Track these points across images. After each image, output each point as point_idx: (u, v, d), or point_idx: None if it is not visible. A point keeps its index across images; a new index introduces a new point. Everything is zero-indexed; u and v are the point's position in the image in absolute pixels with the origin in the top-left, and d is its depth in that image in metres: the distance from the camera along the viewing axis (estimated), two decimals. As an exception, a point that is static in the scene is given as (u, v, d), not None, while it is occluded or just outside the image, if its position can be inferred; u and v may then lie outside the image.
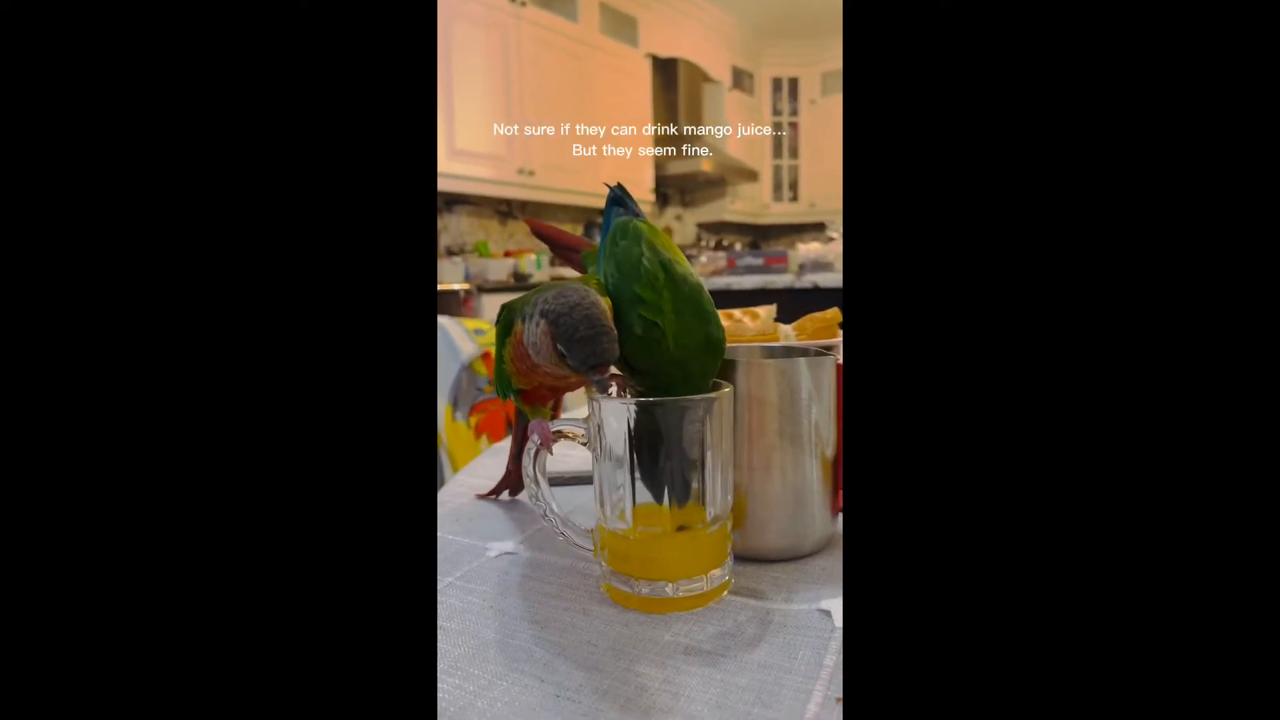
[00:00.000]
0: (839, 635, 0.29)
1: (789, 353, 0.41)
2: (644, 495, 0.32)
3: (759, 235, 4.53)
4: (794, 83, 4.39)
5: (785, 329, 0.56)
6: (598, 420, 0.32)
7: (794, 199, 4.49)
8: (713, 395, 0.32)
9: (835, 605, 0.31)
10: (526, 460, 0.34)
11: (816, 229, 3.75)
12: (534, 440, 0.34)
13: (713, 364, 0.35)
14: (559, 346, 0.31)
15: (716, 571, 0.32)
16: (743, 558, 0.36)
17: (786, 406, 0.36)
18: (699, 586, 0.32)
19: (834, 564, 0.36)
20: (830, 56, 4.22)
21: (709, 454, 0.32)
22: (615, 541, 0.32)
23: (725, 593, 0.33)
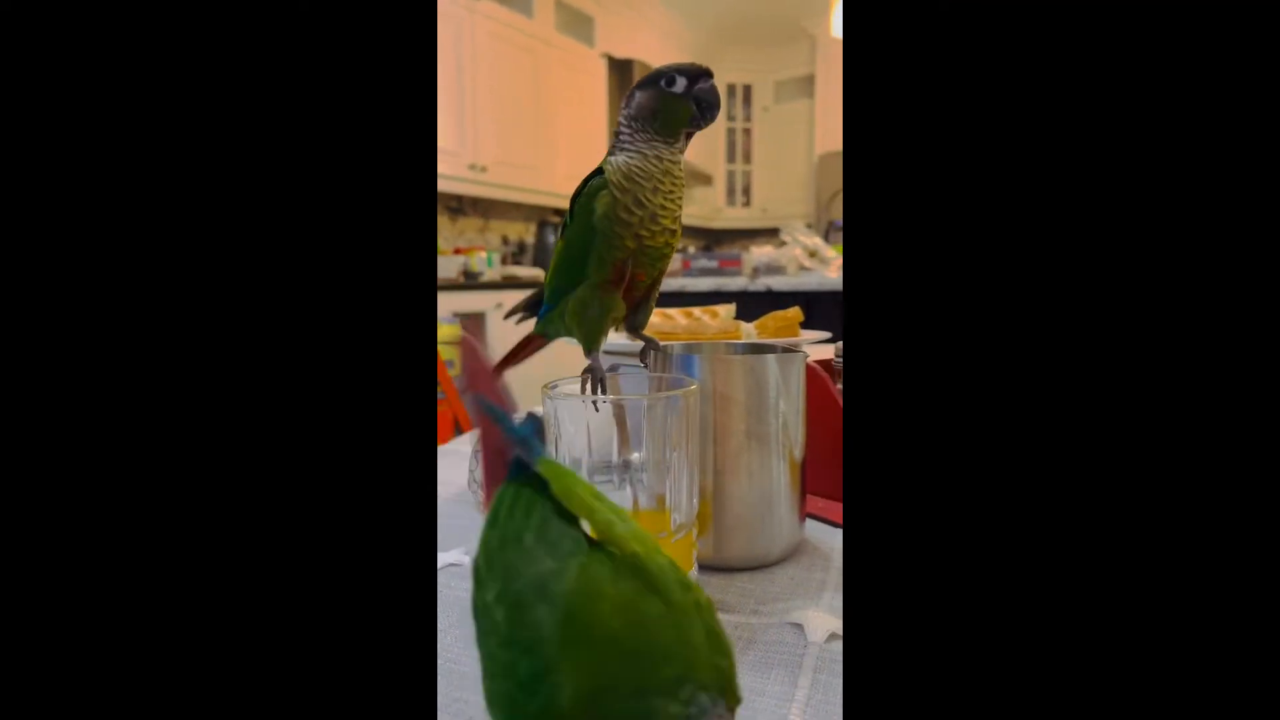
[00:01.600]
0: (813, 651, 0.27)
1: (756, 350, 0.39)
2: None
3: (712, 239, 4.56)
4: (748, 89, 4.44)
5: (747, 327, 0.54)
6: (554, 422, 0.29)
7: (747, 204, 4.54)
8: (678, 393, 0.29)
9: (807, 618, 0.29)
10: (473, 462, 0.31)
11: (769, 234, 3.80)
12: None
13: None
14: None
15: (680, 583, 0.30)
16: (707, 566, 0.34)
17: (754, 405, 0.34)
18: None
19: (803, 572, 0.34)
20: (783, 65, 4.29)
21: (674, 455, 0.29)
22: (571, 552, 0.30)
23: (689, 605, 0.31)
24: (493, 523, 0.19)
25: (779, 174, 4.41)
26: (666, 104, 0.33)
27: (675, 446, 0.29)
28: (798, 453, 0.35)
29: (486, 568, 0.18)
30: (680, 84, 0.33)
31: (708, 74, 0.34)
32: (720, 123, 4.43)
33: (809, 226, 2.40)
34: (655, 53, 3.78)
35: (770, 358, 0.34)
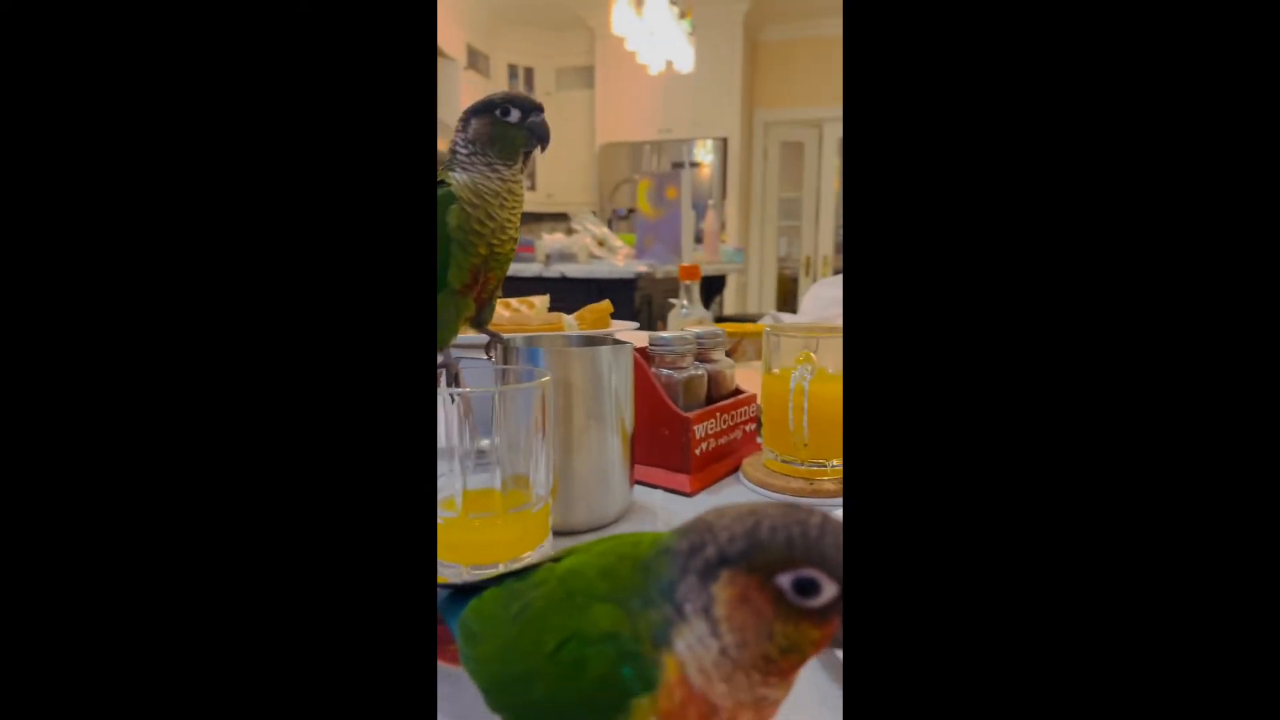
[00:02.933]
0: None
1: (589, 341, 0.44)
2: (475, 481, 0.33)
3: (498, 221, 4.50)
4: (530, 72, 4.44)
5: (568, 319, 0.59)
6: (420, 412, 0.32)
7: (533, 188, 4.56)
8: (535, 385, 0.34)
9: (646, 561, 0.36)
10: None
11: (556, 219, 3.87)
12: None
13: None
14: None
15: (541, 546, 0.35)
16: (557, 532, 0.39)
17: (593, 390, 0.39)
18: (527, 561, 0.34)
19: (635, 528, 0.41)
20: (565, 52, 4.35)
21: (537, 437, 0.34)
22: (441, 531, 0.33)
23: (547, 565, 0.35)
24: (471, 640, 0.21)
25: (562, 161, 4.48)
26: (502, 132, 0.37)
27: (535, 430, 0.34)
28: (628, 428, 0.42)
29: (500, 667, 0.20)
30: (514, 115, 0.38)
31: (539, 108, 0.38)
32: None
33: (594, 214, 2.52)
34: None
35: (605, 349, 0.40)
